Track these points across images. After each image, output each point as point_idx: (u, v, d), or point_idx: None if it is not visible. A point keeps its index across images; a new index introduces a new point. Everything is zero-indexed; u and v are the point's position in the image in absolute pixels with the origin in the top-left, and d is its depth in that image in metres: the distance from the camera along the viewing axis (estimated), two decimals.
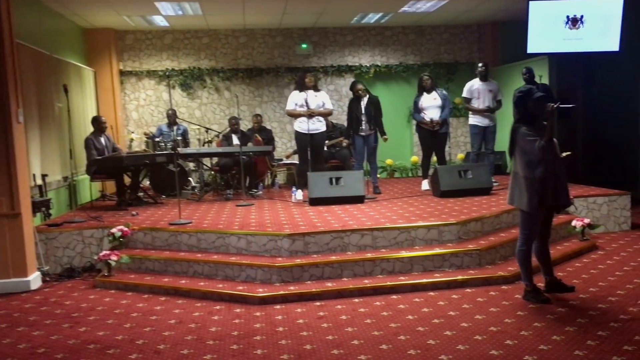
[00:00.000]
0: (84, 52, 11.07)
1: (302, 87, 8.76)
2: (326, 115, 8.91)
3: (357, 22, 11.81)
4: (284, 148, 12.24)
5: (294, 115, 8.78)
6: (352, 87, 9.08)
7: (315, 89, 8.80)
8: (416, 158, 11.97)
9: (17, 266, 6.29)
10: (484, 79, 9.32)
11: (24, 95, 7.02)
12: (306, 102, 8.55)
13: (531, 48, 9.24)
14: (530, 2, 8.97)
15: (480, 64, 9.42)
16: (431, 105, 9.04)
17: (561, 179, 5.08)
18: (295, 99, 8.74)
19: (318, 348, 4.36)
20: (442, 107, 9.06)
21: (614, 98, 10.46)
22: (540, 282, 5.37)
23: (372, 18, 11.44)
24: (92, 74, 11.09)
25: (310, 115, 8.55)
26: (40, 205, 7.26)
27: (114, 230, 6.90)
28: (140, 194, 9.33)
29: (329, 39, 12.31)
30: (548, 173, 4.96)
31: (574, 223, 7.19)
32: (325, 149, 10.17)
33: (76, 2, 9.10)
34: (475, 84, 9.34)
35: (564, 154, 5.11)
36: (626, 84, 10.22)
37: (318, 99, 8.71)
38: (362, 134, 8.90)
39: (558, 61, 10.07)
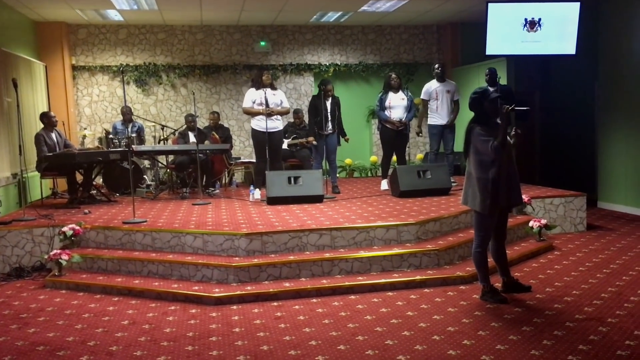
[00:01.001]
0: (34, 46, 10.75)
1: (259, 84, 8.64)
2: (284, 114, 8.81)
3: (316, 21, 11.76)
4: (242, 146, 12.11)
5: (252, 114, 8.66)
6: (324, 86, 8.96)
7: (272, 87, 8.69)
8: (375, 158, 11.99)
9: None
10: (441, 79, 9.36)
11: None
12: (266, 101, 8.45)
13: (490, 49, 9.34)
14: (489, 4, 9.06)
15: (436, 65, 9.45)
16: (399, 104, 9.02)
17: (514, 179, 5.10)
18: (253, 97, 8.62)
19: (275, 349, 4.28)
20: (409, 108, 9.06)
21: (571, 100, 10.67)
22: (497, 282, 5.39)
23: (332, 17, 11.40)
24: (43, 68, 10.77)
25: (269, 114, 8.44)
26: None
27: (65, 228, 6.71)
28: (93, 191, 9.12)
29: (288, 37, 12.23)
30: (501, 174, 4.97)
31: (531, 224, 7.27)
32: (286, 147, 10.09)
33: None
34: (433, 85, 9.37)
35: (513, 132, 5.13)
36: (583, 86, 10.43)
37: (276, 97, 8.61)
38: (325, 133, 8.86)
39: (516, 63, 10.21)
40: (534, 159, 10.80)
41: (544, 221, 7.30)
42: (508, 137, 5.00)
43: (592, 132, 10.22)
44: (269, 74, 8.72)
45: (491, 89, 5.40)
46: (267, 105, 8.41)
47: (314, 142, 9.06)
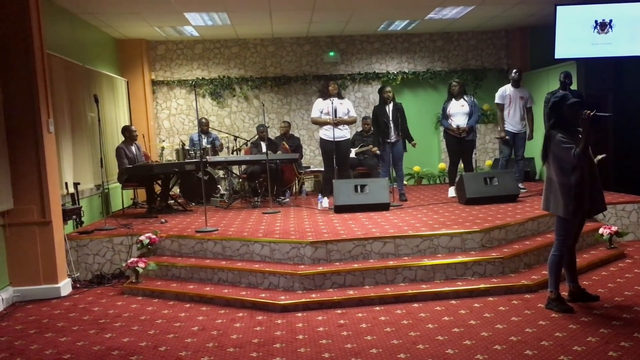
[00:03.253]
0: (116, 62, 11.31)
1: (325, 95, 8.84)
2: (351, 123, 8.96)
3: (383, 30, 11.84)
4: (312, 155, 12.31)
5: (319, 123, 8.85)
6: (381, 90, 9.10)
7: (339, 96, 8.85)
8: (444, 165, 11.93)
9: (48, 273, 6.48)
10: (516, 85, 9.25)
11: (56, 106, 7.23)
12: (334, 110, 8.61)
13: (559, 53, 9.16)
14: (557, 7, 8.89)
15: (514, 70, 9.33)
16: (458, 111, 9.01)
17: (596, 184, 5.02)
18: (320, 107, 8.82)
19: (336, 356, 4.39)
20: (470, 114, 9.02)
21: None
22: (564, 292, 5.32)
23: (399, 25, 11.45)
24: (124, 84, 11.33)
25: (336, 123, 8.60)
26: (72, 213, 7.45)
27: (142, 237, 7.04)
28: (171, 201, 9.49)
29: (356, 46, 12.36)
30: (584, 179, 4.91)
31: (601, 231, 7.09)
32: (354, 155, 10.21)
33: (108, 14, 9.33)
34: (507, 89, 9.27)
35: (599, 157, 5.04)
36: None
37: (343, 106, 8.77)
38: (390, 140, 8.92)
39: (586, 66, 9.94)
40: (607, 164, 10.46)
41: (614, 228, 7.08)
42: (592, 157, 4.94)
43: None
44: (335, 83, 8.89)
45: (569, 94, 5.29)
46: (334, 114, 8.57)
47: (377, 152, 9.10)
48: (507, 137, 9.24)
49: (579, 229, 5.27)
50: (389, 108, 8.94)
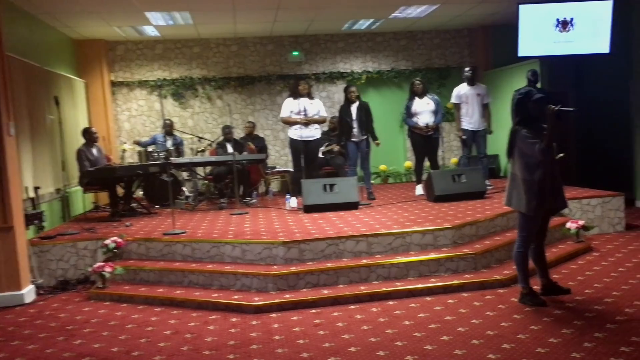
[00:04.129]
0: (74, 63, 11.05)
1: (296, 94, 8.77)
2: (322, 122, 8.91)
3: (348, 29, 11.83)
4: (277, 156, 12.23)
5: (289, 123, 8.78)
6: (346, 89, 9.07)
7: (310, 96, 8.79)
8: (410, 163, 11.99)
9: (11, 279, 6.26)
10: (471, 83, 9.32)
11: (15, 108, 7.00)
12: (305, 110, 8.55)
13: (522, 51, 9.26)
14: (520, 5, 9.00)
15: (467, 68, 9.43)
16: (425, 110, 9.04)
17: (558, 182, 5.07)
18: (291, 107, 8.75)
19: (315, 356, 4.34)
20: (435, 112, 9.07)
21: (606, 99, 10.50)
22: (536, 285, 5.36)
23: (363, 24, 11.46)
24: (83, 85, 11.06)
25: (307, 122, 8.53)
26: (33, 218, 7.20)
27: (107, 241, 6.88)
28: (134, 204, 9.31)
29: (320, 46, 12.33)
30: (547, 176, 4.95)
31: (568, 225, 7.18)
32: (321, 155, 10.18)
33: (67, 13, 9.09)
34: (462, 89, 9.34)
35: (558, 156, 5.08)
36: (617, 85, 10.26)
37: (314, 106, 8.71)
38: (354, 139, 8.90)
39: (549, 64, 10.09)
40: (570, 159, 10.64)
41: (581, 222, 7.20)
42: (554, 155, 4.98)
43: (628, 131, 10.04)
44: (305, 83, 8.82)
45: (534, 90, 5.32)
46: (306, 114, 8.51)
47: (335, 148, 9.06)
48: (464, 136, 9.32)
49: (545, 224, 5.30)
50: (354, 107, 8.92)
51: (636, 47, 9.46)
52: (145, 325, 5.31)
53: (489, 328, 4.66)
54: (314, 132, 8.72)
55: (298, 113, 8.61)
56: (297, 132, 8.67)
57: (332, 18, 10.74)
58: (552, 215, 5.67)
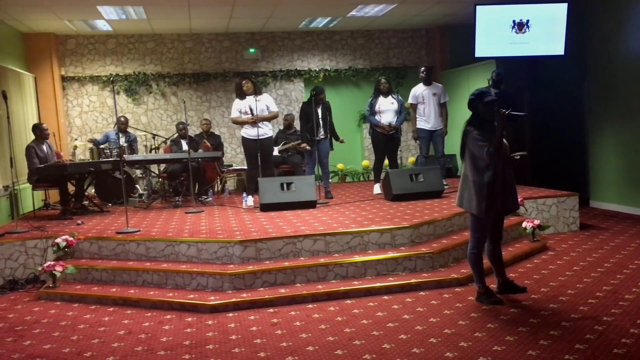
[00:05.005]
0: (23, 57, 10.71)
1: (241, 94, 8.62)
2: (272, 119, 8.76)
3: (305, 27, 11.78)
4: (233, 154, 12.10)
5: (240, 123, 8.65)
6: (316, 93, 8.93)
7: (257, 92, 8.62)
8: (367, 162, 12.01)
9: None
10: (427, 82, 9.35)
11: None
12: (250, 109, 8.43)
13: (479, 52, 9.36)
14: (477, 6, 9.09)
15: (422, 68, 9.45)
16: (389, 109, 9.03)
17: (509, 183, 5.09)
18: (238, 106, 8.60)
19: (272, 355, 4.27)
20: (399, 112, 9.07)
21: (560, 100, 10.69)
22: (492, 284, 5.40)
23: (321, 22, 11.43)
24: (32, 80, 10.73)
25: (254, 122, 8.41)
26: None
27: (58, 240, 6.67)
28: (86, 202, 9.07)
29: (277, 43, 12.25)
30: (497, 178, 4.96)
31: (524, 224, 7.27)
32: (277, 153, 10.09)
33: (14, 6, 8.79)
34: (419, 89, 9.37)
35: (519, 154, 5.11)
36: (572, 86, 10.47)
37: (261, 103, 8.54)
38: (317, 138, 8.87)
39: (505, 64, 10.22)
40: (525, 159, 10.81)
41: (537, 222, 7.30)
42: (512, 156, 5.00)
43: (582, 132, 10.27)
44: (249, 81, 8.65)
45: (492, 92, 5.35)
46: (252, 113, 8.40)
47: (308, 148, 9.01)
48: (417, 138, 9.36)
49: (500, 225, 5.32)
50: (319, 107, 8.91)
51: (591, 50, 9.67)
52: (98, 326, 5.16)
53: (447, 326, 4.67)
54: (265, 130, 8.59)
55: (245, 113, 8.48)
56: (247, 131, 8.55)
57: (290, 15, 10.68)
58: (506, 216, 5.70)
